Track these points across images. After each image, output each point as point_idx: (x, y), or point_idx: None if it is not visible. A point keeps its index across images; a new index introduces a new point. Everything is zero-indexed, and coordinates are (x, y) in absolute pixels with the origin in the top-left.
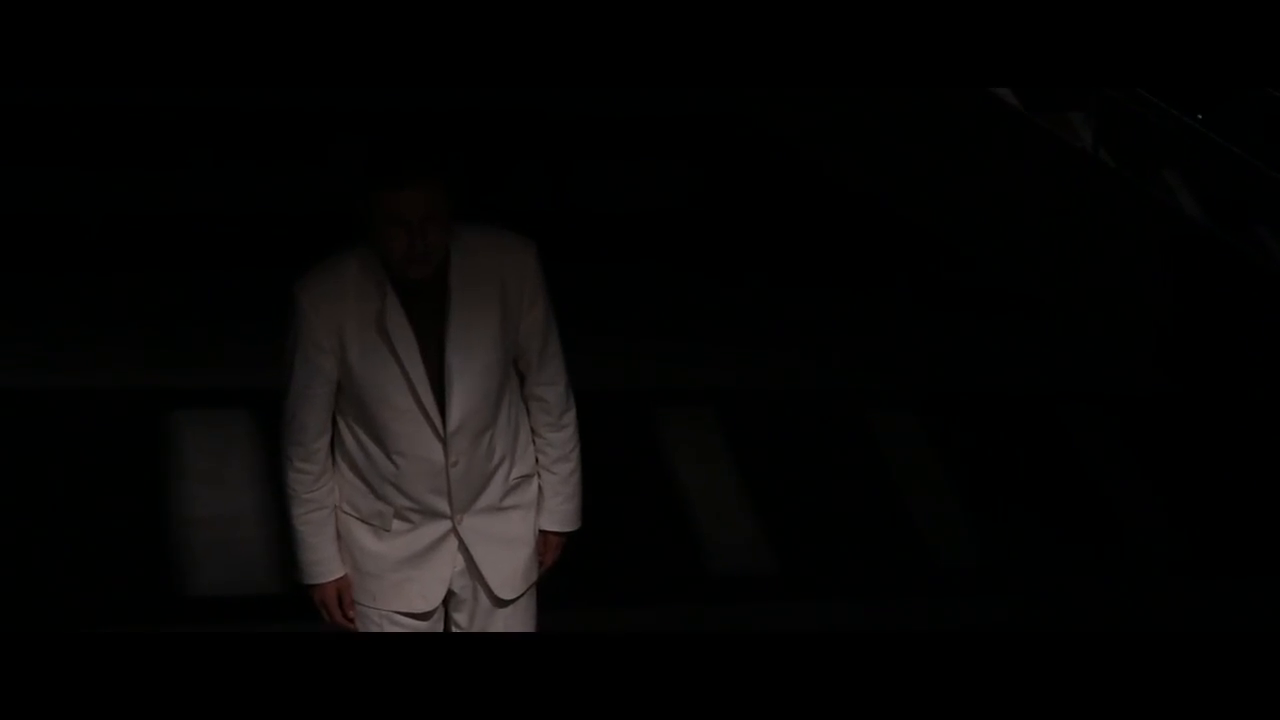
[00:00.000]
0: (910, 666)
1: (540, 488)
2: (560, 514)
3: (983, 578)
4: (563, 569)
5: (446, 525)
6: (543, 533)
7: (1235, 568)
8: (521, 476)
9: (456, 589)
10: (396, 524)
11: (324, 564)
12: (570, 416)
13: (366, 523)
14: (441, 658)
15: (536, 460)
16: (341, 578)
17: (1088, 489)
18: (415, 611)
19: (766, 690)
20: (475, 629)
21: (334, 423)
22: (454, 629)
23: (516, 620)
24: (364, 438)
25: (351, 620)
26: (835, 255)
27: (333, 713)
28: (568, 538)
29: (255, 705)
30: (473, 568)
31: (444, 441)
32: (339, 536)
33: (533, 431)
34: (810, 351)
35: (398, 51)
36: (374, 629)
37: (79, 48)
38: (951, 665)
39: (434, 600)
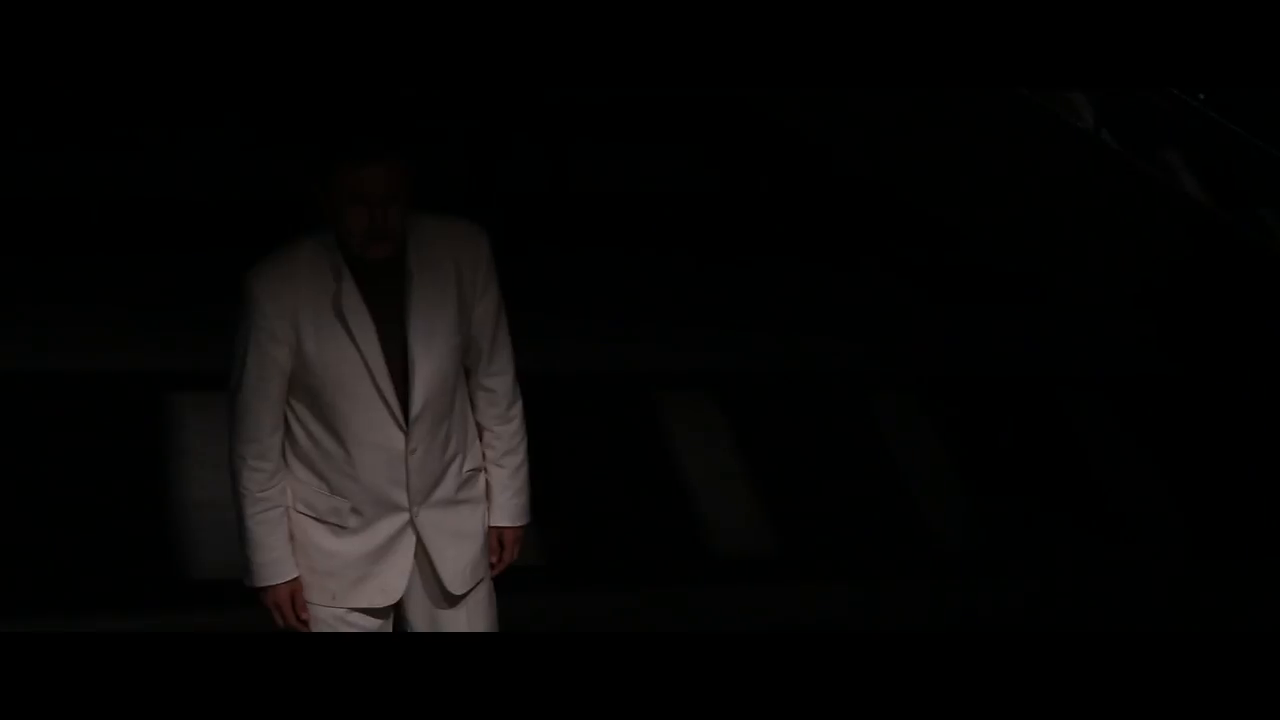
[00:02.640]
0: (909, 664)
1: (488, 483)
2: (511, 509)
3: (983, 562)
4: (563, 552)
5: (403, 518)
6: (496, 529)
7: (1238, 551)
8: (472, 470)
9: (408, 587)
10: (353, 520)
11: (278, 564)
12: (518, 409)
13: (323, 521)
14: (439, 655)
15: (483, 455)
16: (294, 580)
17: (1089, 472)
18: (374, 607)
19: (759, 689)
20: (434, 626)
21: (285, 420)
22: (407, 628)
23: (478, 616)
24: (319, 431)
25: (305, 623)
26: (835, 238)
27: (327, 712)
28: (523, 533)
29: (243, 703)
30: (426, 562)
31: (404, 428)
32: (293, 538)
33: (479, 426)
34: (810, 334)
35: (399, 51)
36: (327, 630)
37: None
38: (951, 663)
39: (394, 595)
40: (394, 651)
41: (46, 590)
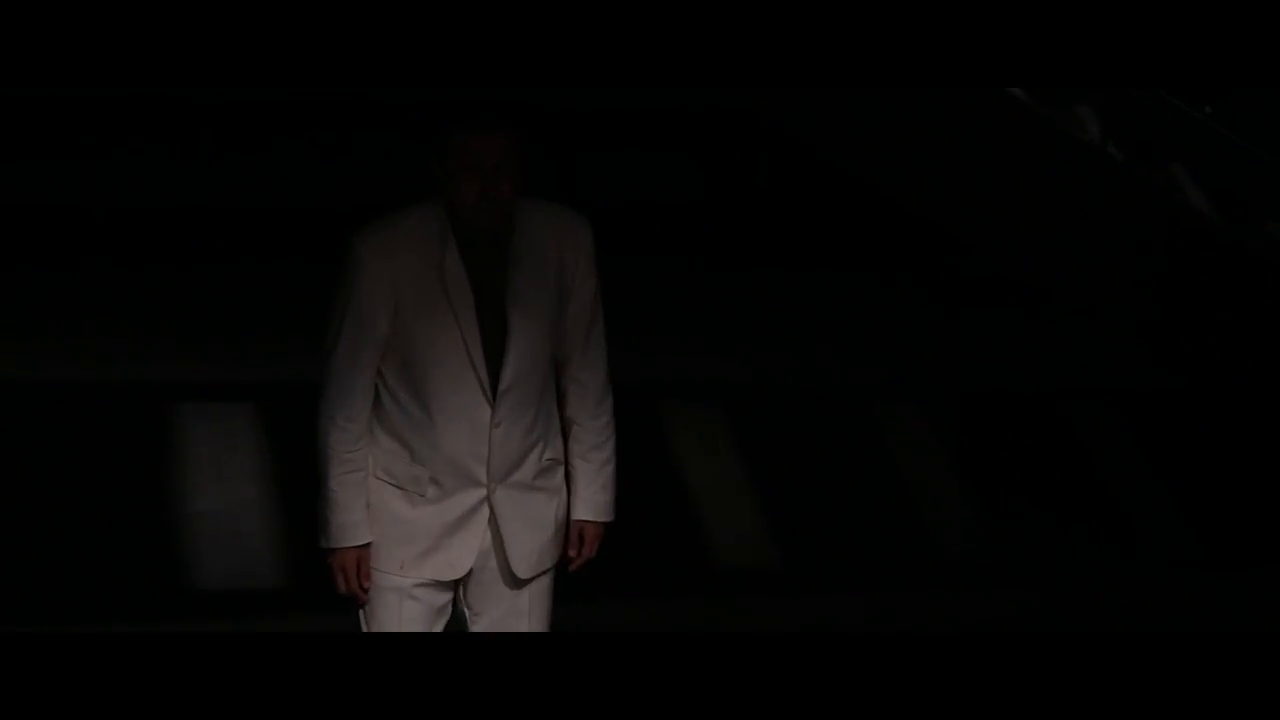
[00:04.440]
0: (912, 666)
1: (571, 477)
2: (596, 504)
3: (988, 572)
4: (566, 563)
5: (480, 494)
6: (578, 523)
7: (1241, 561)
8: (552, 460)
9: (475, 566)
10: (431, 490)
11: (353, 528)
12: (608, 406)
13: (401, 488)
14: (443, 656)
15: (569, 449)
16: (365, 546)
17: (1093, 483)
18: (441, 579)
19: (767, 689)
20: (493, 608)
21: (375, 384)
22: (467, 608)
23: (538, 605)
24: (406, 398)
25: (365, 591)
26: (842, 248)
27: (335, 710)
28: (604, 530)
29: (254, 703)
30: (497, 542)
31: (491, 402)
32: (370, 504)
33: (568, 419)
34: (816, 345)
35: (399, 51)
36: (390, 598)
37: (83, 48)
38: (953, 665)
39: (461, 569)
40: (399, 653)
41: (50, 599)
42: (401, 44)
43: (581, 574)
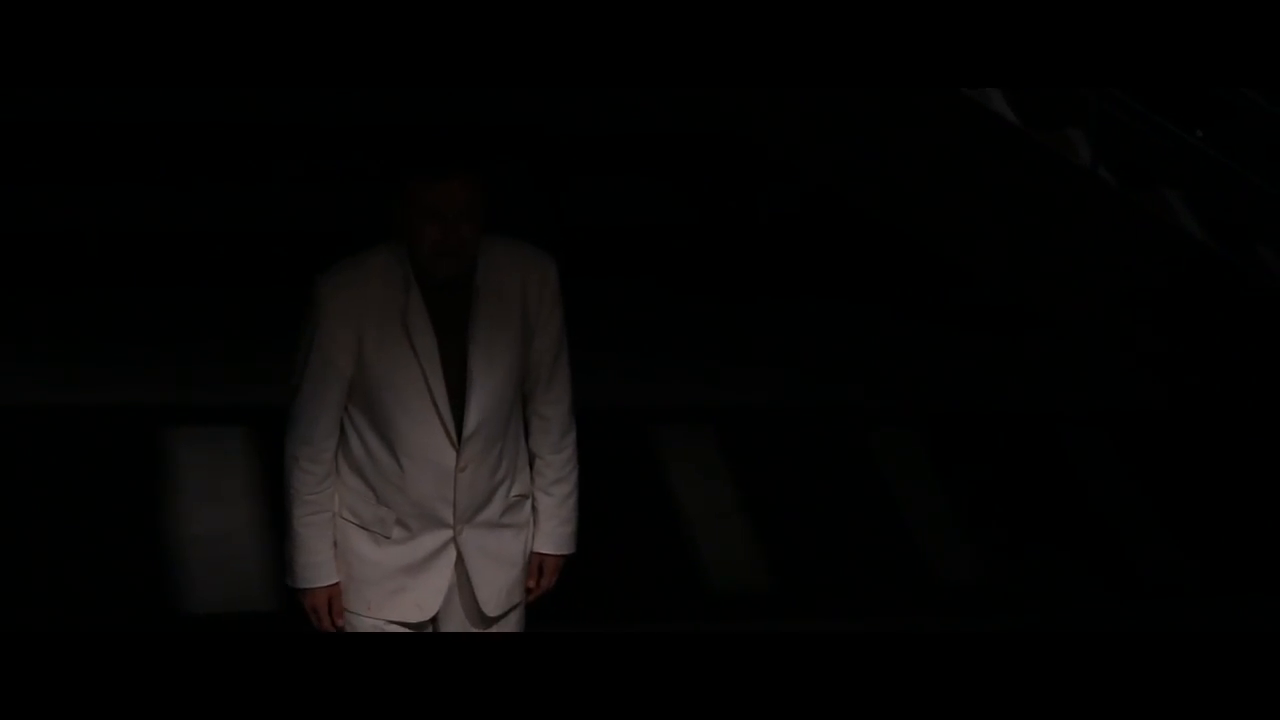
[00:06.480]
0: (906, 670)
1: (535, 509)
2: (557, 536)
3: (981, 596)
4: (560, 585)
5: (446, 535)
6: (538, 555)
7: (1236, 586)
8: (519, 496)
9: (444, 606)
10: (397, 531)
11: (320, 568)
12: (571, 439)
13: (366, 529)
14: (437, 661)
15: (532, 481)
16: (334, 584)
17: (1087, 507)
18: (408, 621)
19: (760, 692)
20: None
21: (341, 425)
22: None
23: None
24: (372, 440)
25: (340, 629)
26: (834, 272)
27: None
28: (564, 562)
29: (249, 708)
30: (464, 582)
31: (456, 445)
32: (336, 544)
33: (531, 452)
34: (808, 369)
35: (396, 52)
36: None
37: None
38: (948, 669)
39: (429, 610)
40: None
41: (43, 624)
42: (398, 46)
43: (571, 597)
